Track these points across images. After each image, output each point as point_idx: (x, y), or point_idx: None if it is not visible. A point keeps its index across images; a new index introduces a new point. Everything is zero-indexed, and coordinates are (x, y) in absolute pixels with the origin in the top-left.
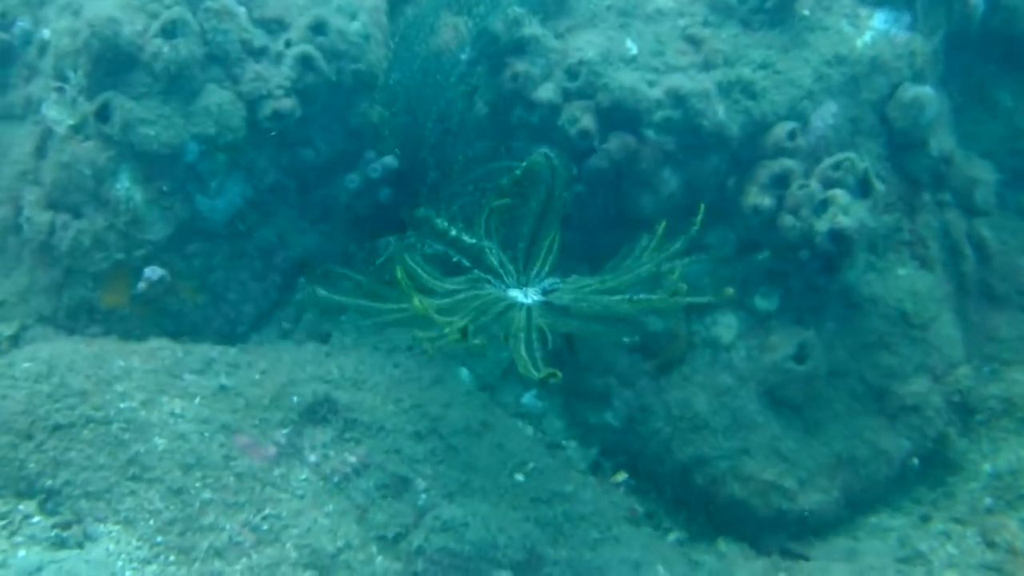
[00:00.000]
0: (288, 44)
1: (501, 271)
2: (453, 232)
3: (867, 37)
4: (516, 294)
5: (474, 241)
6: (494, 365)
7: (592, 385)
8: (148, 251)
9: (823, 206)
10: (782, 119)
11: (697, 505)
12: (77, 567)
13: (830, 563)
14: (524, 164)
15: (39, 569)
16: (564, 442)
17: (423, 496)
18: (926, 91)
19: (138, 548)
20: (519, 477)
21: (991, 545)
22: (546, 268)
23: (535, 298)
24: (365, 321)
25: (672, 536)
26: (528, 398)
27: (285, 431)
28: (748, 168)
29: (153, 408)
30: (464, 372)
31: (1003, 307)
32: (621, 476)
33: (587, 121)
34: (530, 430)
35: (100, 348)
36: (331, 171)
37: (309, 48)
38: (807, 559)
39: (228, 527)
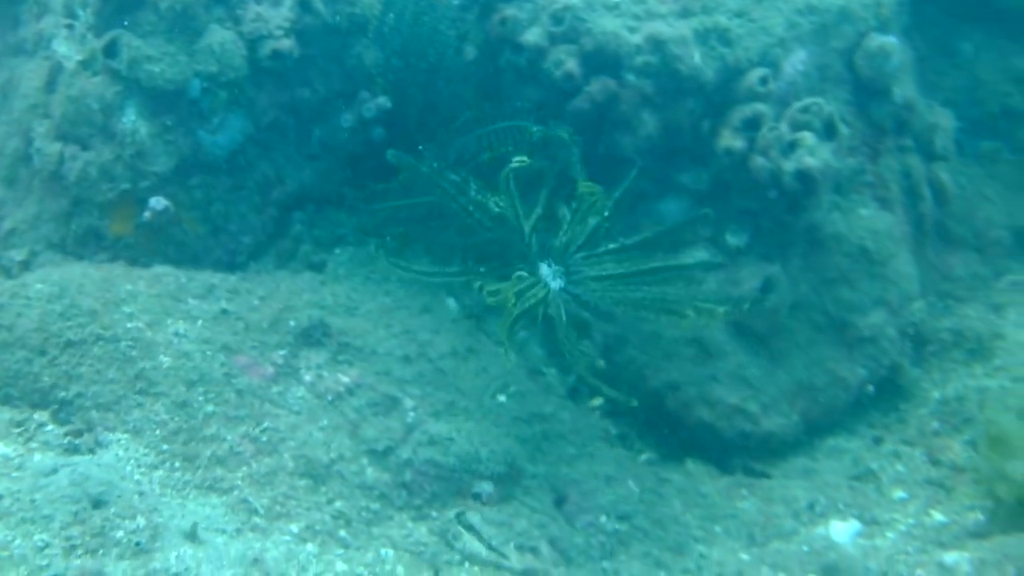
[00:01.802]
0: None
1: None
2: (473, 191)
3: None
4: (545, 272)
5: (500, 209)
6: (481, 296)
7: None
8: (153, 182)
9: (791, 148)
10: (755, 65)
11: (668, 428)
12: (89, 470)
13: (789, 480)
14: (541, 131)
15: (54, 471)
16: (544, 369)
17: (411, 414)
18: (891, 41)
19: (145, 455)
20: (501, 398)
21: (936, 463)
22: (575, 244)
23: (559, 282)
24: (360, 253)
25: (644, 456)
26: None
27: (282, 352)
28: (722, 112)
29: (158, 329)
30: (452, 302)
31: (959, 248)
32: (597, 401)
33: (571, 64)
34: (513, 356)
35: (108, 272)
36: (327, 111)
37: None
38: (768, 477)
39: (229, 438)
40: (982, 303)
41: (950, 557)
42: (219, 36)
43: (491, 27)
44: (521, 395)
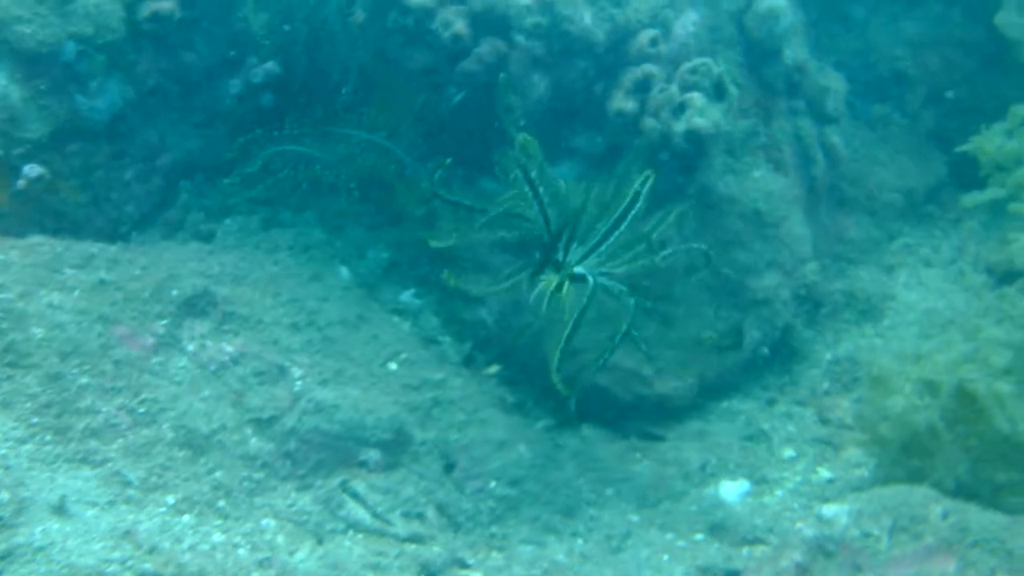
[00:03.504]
0: None
1: None
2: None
3: None
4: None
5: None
6: (375, 264)
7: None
8: (27, 149)
9: (681, 108)
10: (646, 27)
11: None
12: None
13: (683, 443)
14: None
15: None
16: (440, 337)
17: (298, 383)
18: (780, 3)
19: (14, 428)
20: (392, 366)
21: (825, 422)
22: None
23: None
24: (250, 222)
25: (541, 423)
26: (406, 296)
27: (164, 322)
28: (615, 74)
29: (31, 299)
30: (344, 270)
31: (852, 210)
32: (494, 368)
33: (460, 25)
34: (407, 325)
35: None
36: (214, 76)
37: None
38: (663, 440)
39: (105, 410)
40: (875, 265)
41: (829, 510)
42: None
43: None
44: (412, 363)
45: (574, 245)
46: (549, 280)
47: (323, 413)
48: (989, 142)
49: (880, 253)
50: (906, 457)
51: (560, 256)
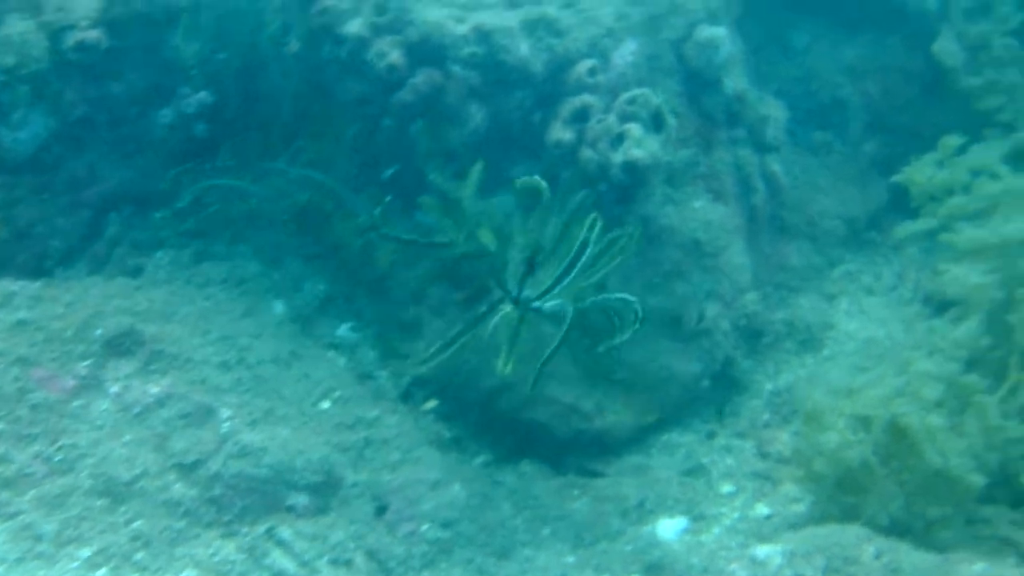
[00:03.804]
0: None
1: None
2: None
3: None
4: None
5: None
6: (311, 297)
7: (403, 316)
8: None
9: (619, 139)
10: (584, 56)
11: (503, 429)
12: None
13: (621, 478)
14: None
15: None
16: (376, 372)
17: (226, 425)
18: (720, 32)
19: None
20: (325, 404)
21: (764, 456)
22: None
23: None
24: (182, 256)
25: (479, 459)
26: (343, 329)
27: (86, 363)
28: (553, 103)
29: None
30: (279, 304)
31: (793, 238)
32: (431, 404)
33: (395, 56)
34: (343, 360)
35: None
36: (145, 105)
37: None
38: (602, 476)
39: (19, 459)
40: (816, 293)
41: (763, 551)
42: (19, 27)
43: (312, 17)
44: (346, 400)
45: (529, 280)
46: (508, 313)
47: (250, 456)
48: (919, 172)
49: (821, 280)
50: (841, 493)
51: (514, 291)
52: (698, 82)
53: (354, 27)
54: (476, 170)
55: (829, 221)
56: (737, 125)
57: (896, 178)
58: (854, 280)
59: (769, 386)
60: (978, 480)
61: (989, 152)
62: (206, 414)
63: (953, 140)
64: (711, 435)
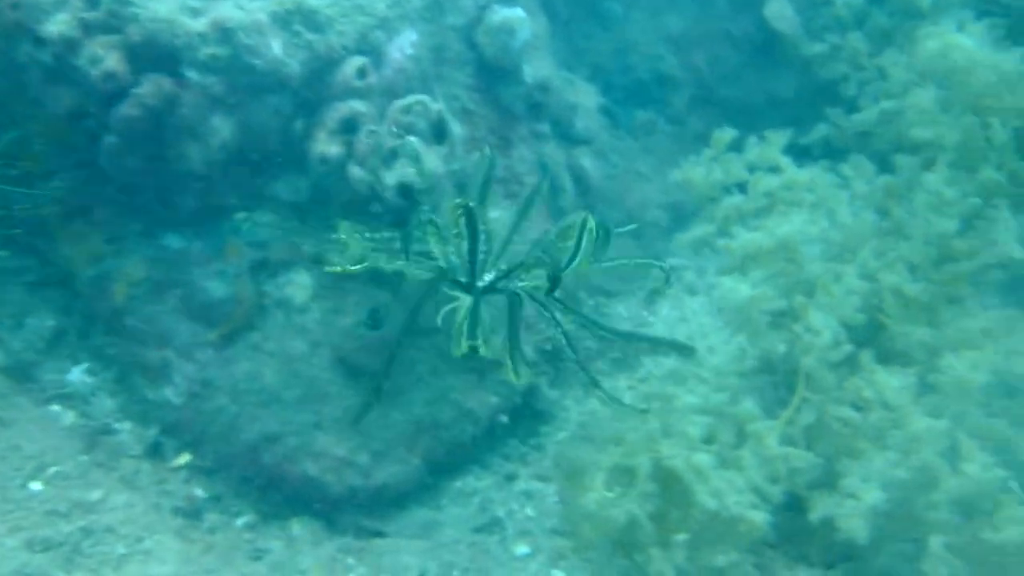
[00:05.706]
0: None
1: None
2: None
3: None
4: None
5: None
6: (36, 336)
7: (149, 358)
8: None
9: (393, 155)
10: (353, 53)
11: (268, 485)
12: None
13: (404, 540)
14: None
15: None
16: (117, 424)
17: None
18: (516, 13)
19: None
20: (35, 486)
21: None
22: None
23: None
24: None
25: (241, 520)
26: (76, 373)
27: None
28: (317, 109)
29: None
30: None
31: None
32: (184, 459)
33: (114, 60)
34: (70, 417)
35: None
36: None
37: None
38: (383, 536)
39: None
40: (635, 297)
41: None
42: None
43: (4, 11)
44: (65, 477)
45: None
46: None
47: None
48: (695, 171)
49: (643, 280)
50: (620, 556)
51: None
52: (493, 72)
53: (58, 25)
54: None
55: (651, 212)
56: (541, 118)
57: (675, 177)
58: (678, 278)
59: (577, 415)
60: (761, 517)
61: (769, 144)
62: None
63: (727, 134)
64: (511, 477)
